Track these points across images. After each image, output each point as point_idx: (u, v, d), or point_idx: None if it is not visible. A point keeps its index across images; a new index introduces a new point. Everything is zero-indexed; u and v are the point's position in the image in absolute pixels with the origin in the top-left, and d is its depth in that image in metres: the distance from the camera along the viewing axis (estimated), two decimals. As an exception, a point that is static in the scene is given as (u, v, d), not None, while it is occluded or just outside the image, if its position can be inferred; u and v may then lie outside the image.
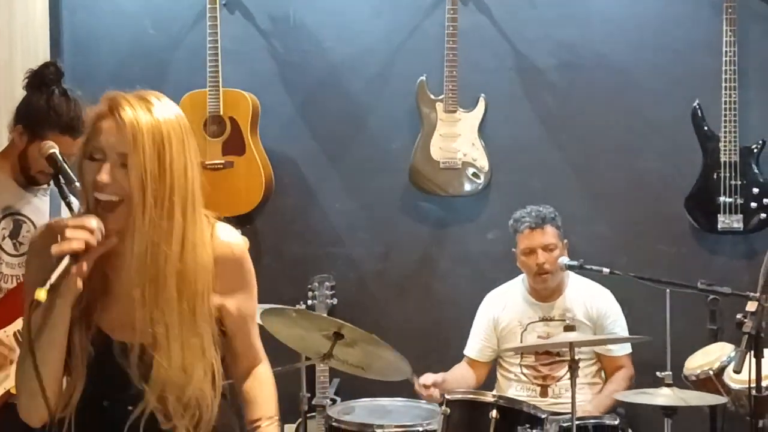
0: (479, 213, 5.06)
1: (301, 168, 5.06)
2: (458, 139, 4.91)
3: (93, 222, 1.99)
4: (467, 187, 4.95)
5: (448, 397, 3.90)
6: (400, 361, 3.51)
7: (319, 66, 5.10)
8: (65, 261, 1.95)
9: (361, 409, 4.31)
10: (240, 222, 4.51)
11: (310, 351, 3.61)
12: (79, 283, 1.99)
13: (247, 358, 2.31)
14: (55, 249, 1.96)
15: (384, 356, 3.51)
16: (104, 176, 2.00)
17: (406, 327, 4.95)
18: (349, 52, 5.10)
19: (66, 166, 3.08)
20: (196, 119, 4.82)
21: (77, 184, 2.35)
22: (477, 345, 4.55)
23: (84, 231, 1.98)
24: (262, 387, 2.32)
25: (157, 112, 2.04)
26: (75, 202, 3.18)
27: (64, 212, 3.23)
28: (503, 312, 4.51)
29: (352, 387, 4.57)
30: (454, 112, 4.90)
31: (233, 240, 2.22)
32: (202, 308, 2.10)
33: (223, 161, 4.85)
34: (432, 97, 4.92)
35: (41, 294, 1.89)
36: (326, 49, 5.10)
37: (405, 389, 4.26)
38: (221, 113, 4.84)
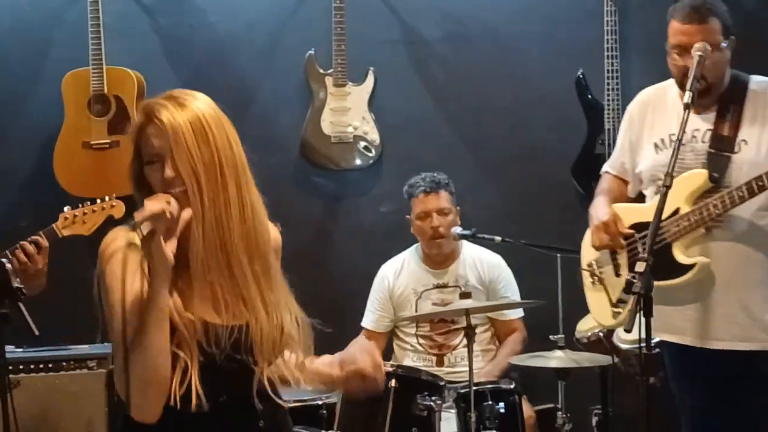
0: (372, 186, 5.07)
1: (190, 146, 4.99)
2: (349, 113, 4.91)
3: (165, 196, 2.11)
4: (359, 160, 4.95)
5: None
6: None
7: (205, 41, 5.04)
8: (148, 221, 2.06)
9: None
10: (128, 203, 4.42)
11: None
12: (170, 254, 2.08)
13: None
14: (138, 216, 2.05)
15: (281, 331, 3.50)
16: (169, 171, 2.12)
17: (301, 302, 4.91)
18: (235, 27, 5.04)
19: None
20: (80, 98, 4.71)
21: None
22: (373, 316, 4.58)
23: (160, 201, 2.08)
24: None
25: (188, 103, 2.19)
26: None
27: None
28: (398, 280, 4.55)
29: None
30: (344, 86, 4.89)
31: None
32: (270, 265, 2.29)
33: (109, 141, 4.75)
34: (321, 71, 4.90)
35: (136, 236, 2.08)
36: (212, 23, 5.03)
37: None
38: (105, 92, 4.73)
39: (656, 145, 3.32)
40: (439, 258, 4.51)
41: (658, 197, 3.24)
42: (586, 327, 4.19)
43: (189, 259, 2.15)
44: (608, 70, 4.72)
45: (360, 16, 4.91)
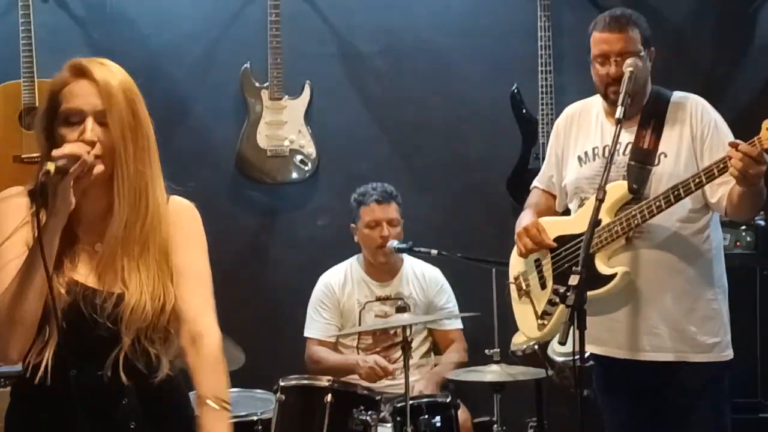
0: (308, 200, 5.06)
1: (123, 159, 4.92)
2: (285, 127, 4.89)
3: (86, 145, 2.09)
4: (295, 174, 4.94)
5: (282, 383, 3.89)
6: (233, 350, 3.48)
7: (138, 54, 4.97)
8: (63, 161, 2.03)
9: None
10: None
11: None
12: (73, 199, 2.06)
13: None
14: (56, 151, 2.04)
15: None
16: (90, 134, 2.09)
17: (238, 316, 4.88)
18: (170, 39, 5.01)
19: None
20: (11, 111, 4.64)
21: None
22: (320, 324, 4.52)
23: (81, 147, 2.07)
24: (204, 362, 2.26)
25: (118, 71, 2.19)
26: None
27: None
28: (344, 289, 4.53)
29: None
30: (280, 99, 4.88)
31: (185, 201, 2.34)
32: (166, 247, 2.21)
33: (40, 154, 4.66)
34: (257, 84, 4.89)
35: (51, 166, 2.00)
36: (146, 36, 4.99)
37: (238, 379, 4.21)
38: (37, 105, 4.66)
39: (580, 158, 3.35)
40: (383, 269, 4.51)
41: (581, 210, 3.29)
42: (520, 340, 4.21)
43: (77, 222, 2.16)
44: (542, 85, 4.77)
45: (296, 29, 4.90)
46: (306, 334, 4.54)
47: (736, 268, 3.33)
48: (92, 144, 2.09)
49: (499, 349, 4.06)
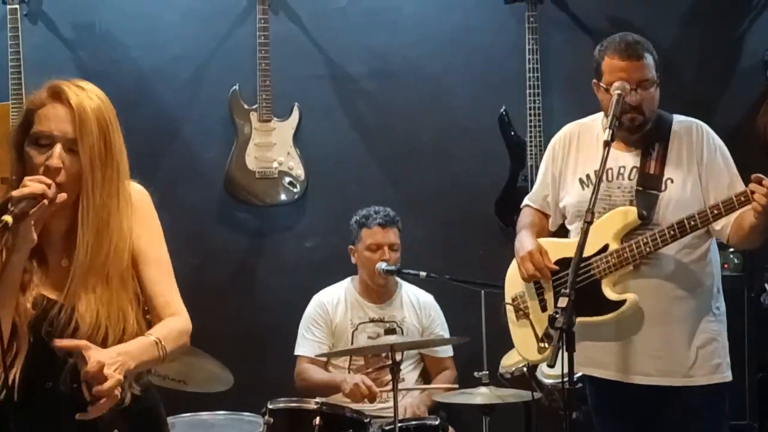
0: (297, 221, 5.06)
1: (112, 180, 4.90)
2: (273, 148, 4.89)
3: (47, 180, 2.09)
4: (284, 196, 4.94)
5: (270, 406, 3.87)
6: (222, 372, 3.47)
7: (128, 75, 4.99)
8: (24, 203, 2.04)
9: (182, 425, 4.20)
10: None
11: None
12: (34, 234, 2.07)
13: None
14: (16, 192, 2.04)
15: (206, 368, 3.47)
16: (56, 161, 2.09)
17: (226, 338, 4.88)
18: (159, 61, 5.01)
19: None
20: (0, 133, 4.63)
21: None
22: (312, 343, 4.49)
23: (41, 183, 2.07)
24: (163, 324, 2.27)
25: (96, 97, 2.18)
26: None
27: None
28: (337, 309, 4.51)
29: (172, 402, 4.45)
30: (269, 121, 4.88)
31: (139, 188, 2.35)
32: (129, 278, 2.23)
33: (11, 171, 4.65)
34: (246, 106, 4.89)
35: (8, 218, 2.00)
36: (135, 57, 5.00)
37: (226, 402, 4.20)
38: (26, 126, 4.66)
39: (581, 181, 3.35)
40: (378, 292, 4.50)
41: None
42: (509, 362, 4.22)
43: (44, 239, 2.16)
44: (530, 107, 4.78)
45: (285, 51, 4.91)
46: (296, 352, 4.52)
47: (724, 290, 3.34)
48: (57, 171, 2.10)
49: (488, 372, 4.05)
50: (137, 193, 2.32)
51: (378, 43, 5.06)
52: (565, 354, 2.75)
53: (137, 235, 2.27)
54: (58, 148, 2.11)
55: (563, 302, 2.78)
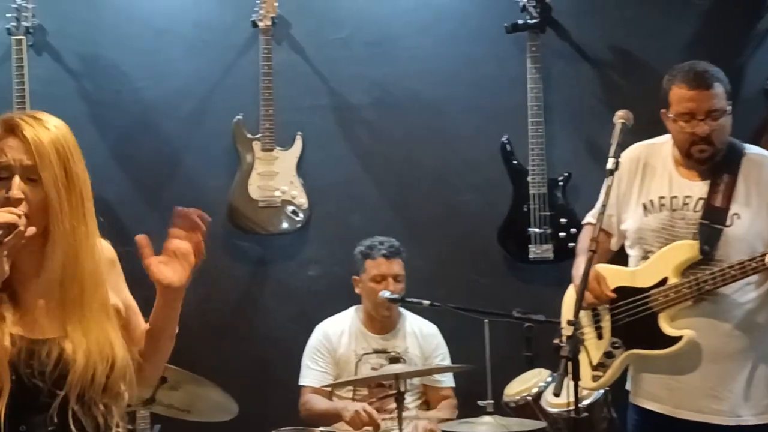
0: (299, 250, 5.06)
1: (116, 210, 4.90)
2: (276, 177, 4.91)
3: (17, 211, 2.06)
4: (286, 224, 4.95)
5: (276, 436, 3.86)
6: (226, 401, 3.46)
7: (132, 106, 5.01)
8: None
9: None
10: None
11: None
12: (6, 266, 2.04)
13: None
14: None
15: (210, 397, 3.46)
16: (16, 192, 2.06)
17: (230, 367, 4.88)
18: (163, 92, 5.04)
19: None
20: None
21: None
22: (317, 373, 4.48)
23: (11, 214, 2.04)
24: None
25: (54, 127, 2.15)
26: None
27: None
28: (341, 340, 4.50)
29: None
30: (272, 150, 4.90)
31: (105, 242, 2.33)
32: (108, 305, 2.21)
33: None
34: (249, 136, 4.91)
35: None
36: (139, 88, 5.02)
37: (230, 430, 4.19)
38: (30, 155, 4.67)
39: (645, 207, 3.29)
40: (382, 322, 4.50)
41: (645, 264, 3.23)
42: (513, 391, 4.20)
43: (16, 277, 2.12)
44: (532, 136, 4.80)
45: (288, 81, 4.94)
46: (301, 382, 4.51)
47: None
48: (18, 202, 2.07)
49: (492, 401, 4.04)
50: (109, 250, 2.33)
51: (380, 74, 5.08)
52: (571, 383, 2.75)
53: (119, 288, 2.32)
54: (17, 179, 2.08)
55: (568, 331, 2.78)
